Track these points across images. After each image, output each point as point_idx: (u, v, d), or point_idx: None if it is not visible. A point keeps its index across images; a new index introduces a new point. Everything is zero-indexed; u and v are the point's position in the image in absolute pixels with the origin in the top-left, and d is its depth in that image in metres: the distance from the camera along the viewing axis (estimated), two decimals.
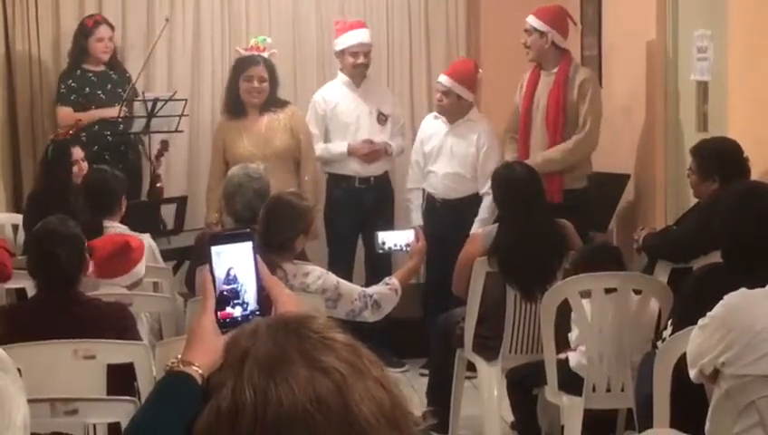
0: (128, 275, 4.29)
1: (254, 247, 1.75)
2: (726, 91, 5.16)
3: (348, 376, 1.32)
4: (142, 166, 6.63)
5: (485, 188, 5.85)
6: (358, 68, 6.43)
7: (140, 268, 4.36)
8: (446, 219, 6.14)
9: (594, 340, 4.34)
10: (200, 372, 1.66)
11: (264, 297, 1.75)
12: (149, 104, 6.22)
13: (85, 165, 5.53)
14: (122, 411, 3.14)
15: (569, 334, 4.44)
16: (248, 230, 1.81)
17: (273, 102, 6.13)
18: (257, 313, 1.74)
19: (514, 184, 4.88)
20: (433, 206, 6.28)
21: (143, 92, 6.48)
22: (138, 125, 6.35)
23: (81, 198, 5.03)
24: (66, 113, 6.50)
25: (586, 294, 4.33)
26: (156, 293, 4.73)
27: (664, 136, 5.90)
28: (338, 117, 6.46)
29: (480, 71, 6.31)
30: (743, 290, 3.02)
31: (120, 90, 6.55)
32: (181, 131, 6.60)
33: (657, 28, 5.90)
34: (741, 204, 3.51)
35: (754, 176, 4.58)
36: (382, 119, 6.51)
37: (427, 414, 5.20)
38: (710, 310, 3.03)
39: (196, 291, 4.57)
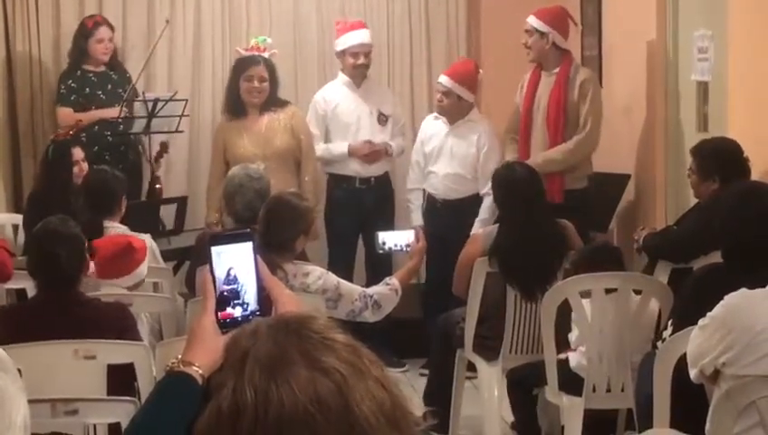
0: (130, 276, 4.30)
1: (254, 248, 1.75)
2: (726, 91, 5.16)
3: (348, 376, 1.32)
4: (142, 166, 6.63)
5: (486, 188, 5.85)
6: (358, 68, 6.43)
7: (143, 269, 4.37)
8: (446, 220, 6.14)
9: (594, 340, 4.34)
10: (200, 372, 1.66)
11: (264, 297, 1.75)
12: (150, 105, 6.22)
13: (85, 165, 5.53)
14: (122, 412, 3.15)
15: (569, 335, 4.44)
16: (248, 230, 1.81)
17: (273, 102, 6.13)
18: (257, 313, 1.74)
19: (515, 184, 4.88)
20: (433, 206, 6.29)
21: (143, 93, 6.48)
22: (138, 125, 6.35)
23: (82, 199, 5.03)
24: (66, 114, 6.50)
25: (586, 294, 4.33)
26: (156, 293, 4.73)
27: (664, 136, 5.90)
28: (338, 117, 6.46)
29: (480, 71, 6.31)
30: (743, 290, 3.02)
31: (121, 90, 6.55)
32: (181, 132, 6.60)
33: (658, 28, 5.90)
34: (741, 204, 3.51)
35: (754, 176, 4.58)
36: (383, 119, 6.51)
37: (427, 414, 5.20)
38: (710, 310, 3.03)
39: (197, 291, 4.57)
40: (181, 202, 6.21)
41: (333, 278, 4.30)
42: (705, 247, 4.43)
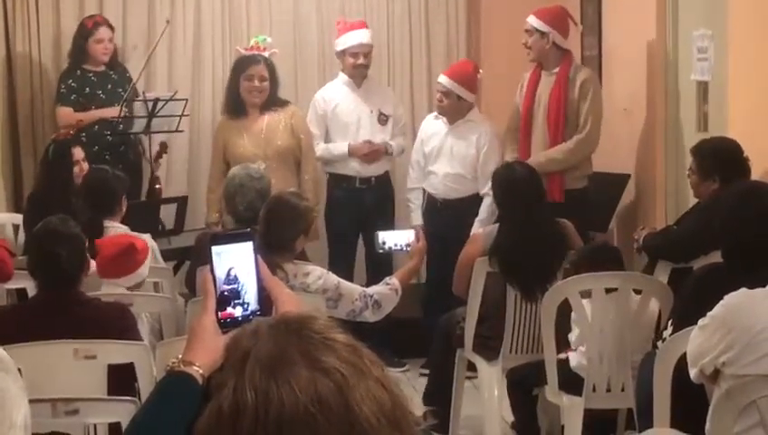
0: (131, 276, 4.30)
1: (254, 247, 1.75)
2: (726, 91, 5.16)
3: (349, 376, 1.33)
4: (142, 166, 6.63)
5: (486, 188, 5.85)
6: (358, 68, 6.43)
7: (144, 270, 4.37)
8: (446, 219, 6.14)
9: (594, 340, 4.34)
10: (201, 372, 1.66)
11: (264, 297, 1.75)
12: (150, 104, 6.23)
13: (86, 165, 5.53)
14: (123, 411, 3.14)
15: (569, 334, 4.44)
16: (249, 230, 1.82)
17: (273, 102, 6.13)
18: (258, 313, 1.74)
19: (515, 184, 4.88)
20: (433, 206, 6.29)
21: (143, 92, 6.48)
22: (138, 125, 6.35)
23: (82, 198, 5.03)
24: (66, 113, 6.50)
25: (586, 293, 4.33)
26: (156, 293, 4.73)
27: (664, 136, 5.90)
28: (338, 117, 6.46)
29: (480, 71, 6.31)
30: (743, 290, 3.03)
31: (121, 90, 6.54)
32: (182, 131, 6.60)
33: (657, 28, 5.90)
34: (741, 204, 3.51)
35: (754, 176, 4.58)
36: (383, 119, 6.51)
37: (427, 414, 5.20)
38: (710, 310, 3.03)
39: (197, 291, 4.57)
40: (181, 202, 6.21)
41: (333, 278, 4.30)
42: (706, 247, 4.43)
